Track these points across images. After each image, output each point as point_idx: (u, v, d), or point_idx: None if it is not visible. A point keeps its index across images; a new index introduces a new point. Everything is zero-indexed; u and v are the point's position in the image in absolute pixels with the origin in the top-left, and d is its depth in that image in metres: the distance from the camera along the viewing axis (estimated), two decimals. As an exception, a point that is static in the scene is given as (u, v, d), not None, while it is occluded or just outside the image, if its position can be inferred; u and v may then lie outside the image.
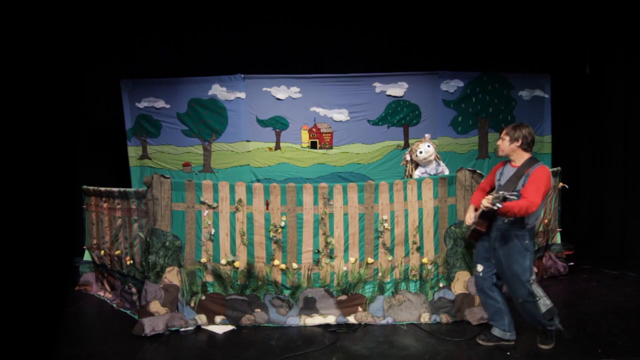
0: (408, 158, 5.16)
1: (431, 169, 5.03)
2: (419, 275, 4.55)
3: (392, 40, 6.89)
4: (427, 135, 5.20)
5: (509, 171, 3.73)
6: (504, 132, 3.74)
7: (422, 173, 5.05)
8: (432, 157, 5.03)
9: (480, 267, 3.87)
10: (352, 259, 4.50)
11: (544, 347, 3.77)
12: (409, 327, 4.32)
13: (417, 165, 5.10)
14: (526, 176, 3.57)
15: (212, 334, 4.25)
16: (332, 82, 6.43)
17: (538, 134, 6.78)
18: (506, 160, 3.81)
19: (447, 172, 5.00)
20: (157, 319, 4.21)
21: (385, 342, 3.98)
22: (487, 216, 3.70)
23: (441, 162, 5.14)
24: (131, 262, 4.88)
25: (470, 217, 3.89)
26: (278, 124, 6.48)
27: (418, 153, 5.02)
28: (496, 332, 3.89)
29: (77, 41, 6.53)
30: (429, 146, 5.01)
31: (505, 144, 3.71)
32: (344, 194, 4.51)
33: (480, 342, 3.90)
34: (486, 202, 3.47)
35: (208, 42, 6.83)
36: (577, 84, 6.96)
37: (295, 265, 4.48)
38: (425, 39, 6.86)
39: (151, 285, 4.31)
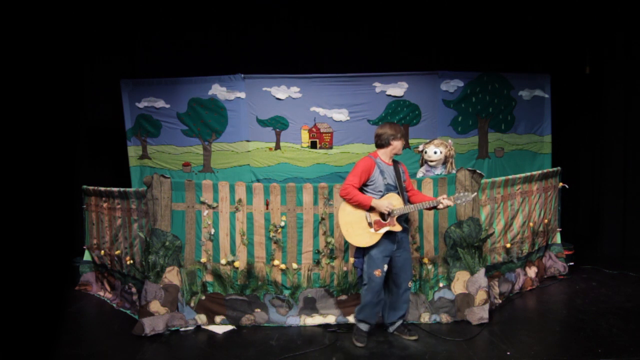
0: (421, 149, 5.22)
1: (437, 170, 5.06)
2: (419, 275, 4.55)
3: (392, 40, 6.88)
4: (450, 141, 5.17)
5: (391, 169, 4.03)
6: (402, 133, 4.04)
7: (427, 171, 5.09)
8: (437, 163, 5.05)
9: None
10: (352, 259, 4.49)
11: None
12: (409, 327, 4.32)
13: (425, 161, 5.16)
14: None
15: (212, 334, 4.26)
16: (332, 82, 6.42)
17: (538, 134, 6.78)
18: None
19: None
20: (157, 318, 4.22)
21: (385, 342, 3.98)
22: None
23: (451, 167, 5.12)
24: (131, 262, 4.88)
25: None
26: (278, 124, 6.47)
27: (424, 152, 5.12)
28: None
29: (77, 41, 6.55)
30: (435, 152, 5.02)
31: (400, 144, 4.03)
32: (344, 194, 4.51)
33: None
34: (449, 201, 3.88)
35: (208, 42, 6.82)
36: (577, 83, 6.96)
37: (295, 265, 4.48)
38: (426, 39, 6.86)
39: (151, 285, 4.31)
